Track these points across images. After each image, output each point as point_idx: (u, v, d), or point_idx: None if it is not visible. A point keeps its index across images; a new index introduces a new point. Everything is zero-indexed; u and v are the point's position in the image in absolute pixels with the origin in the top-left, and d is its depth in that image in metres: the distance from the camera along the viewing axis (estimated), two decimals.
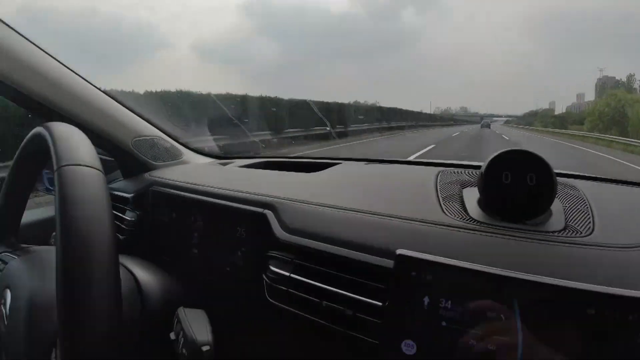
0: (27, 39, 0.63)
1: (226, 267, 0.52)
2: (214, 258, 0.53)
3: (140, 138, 0.77)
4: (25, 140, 0.43)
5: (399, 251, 0.31)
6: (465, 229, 0.37)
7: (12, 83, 0.60)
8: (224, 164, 0.85)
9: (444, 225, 0.38)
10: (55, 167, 0.32)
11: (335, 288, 0.37)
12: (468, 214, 0.41)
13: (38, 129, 0.40)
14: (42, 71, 0.64)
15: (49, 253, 0.45)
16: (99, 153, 0.92)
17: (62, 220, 0.29)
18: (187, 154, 0.89)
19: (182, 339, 0.33)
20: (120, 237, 0.63)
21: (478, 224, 0.38)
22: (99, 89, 0.72)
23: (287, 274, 0.41)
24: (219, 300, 0.51)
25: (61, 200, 0.30)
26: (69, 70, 0.69)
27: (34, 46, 0.64)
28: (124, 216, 0.64)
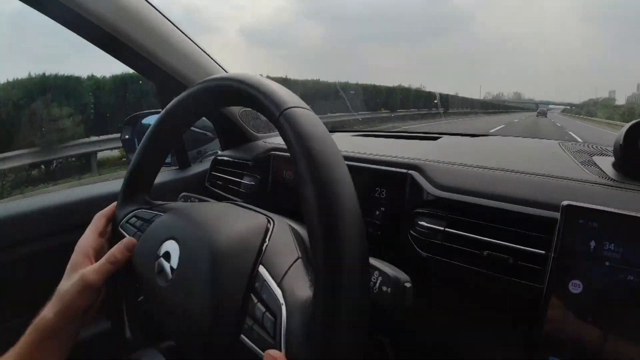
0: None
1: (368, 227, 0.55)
2: None
3: (246, 109, 0.84)
4: (177, 98, 0.44)
5: (565, 202, 0.34)
6: (612, 186, 0.40)
7: (139, 49, 0.64)
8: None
9: (594, 183, 0.41)
10: (280, 111, 0.32)
11: (495, 239, 0.41)
12: (609, 176, 0.44)
13: (208, 84, 0.40)
14: (171, 41, 0.69)
15: (197, 207, 0.44)
16: (201, 127, 0.99)
17: (306, 155, 0.29)
18: None
19: (380, 278, 0.30)
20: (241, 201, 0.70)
21: (623, 183, 0.41)
22: (213, 59, 0.78)
23: (442, 228, 0.45)
24: None
25: (300, 138, 0.30)
26: (193, 44, 0.74)
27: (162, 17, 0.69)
28: (241, 181, 0.70)
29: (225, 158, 0.76)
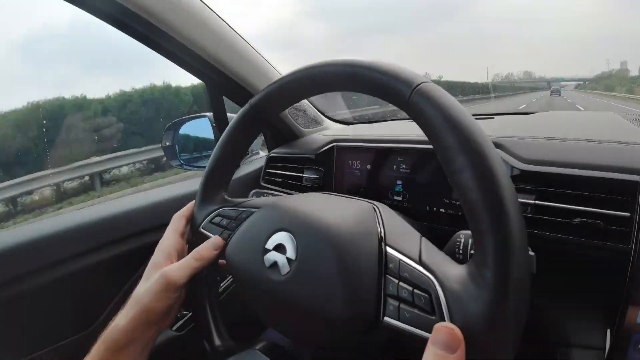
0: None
1: (440, 207, 0.54)
2: (422, 200, 0.56)
3: (295, 105, 0.82)
4: (266, 90, 0.43)
5: None
6: None
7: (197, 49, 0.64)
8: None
9: None
10: (412, 88, 0.31)
11: (583, 207, 0.42)
12: None
13: (310, 71, 0.38)
14: (227, 42, 0.69)
15: (296, 198, 0.43)
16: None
17: (455, 127, 0.28)
18: (326, 122, 0.93)
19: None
20: None
21: None
22: (264, 58, 0.77)
23: (532, 201, 0.45)
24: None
25: (444, 111, 0.29)
26: (247, 44, 0.74)
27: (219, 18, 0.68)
28: (303, 175, 0.69)
29: (281, 155, 0.75)
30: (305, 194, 0.46)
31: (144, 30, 0.59)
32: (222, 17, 0.68)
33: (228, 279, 0.61)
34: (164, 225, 0.68)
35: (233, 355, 0.42)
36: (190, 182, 0.82)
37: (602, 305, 0.46)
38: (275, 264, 0.36)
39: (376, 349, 0.35)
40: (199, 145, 1.01)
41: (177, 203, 0.72)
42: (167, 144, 1.05)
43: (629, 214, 0.39)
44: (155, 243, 0.66)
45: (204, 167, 1.00)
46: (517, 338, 0.27)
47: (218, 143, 0.47)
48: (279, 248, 0.36)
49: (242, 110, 0.45)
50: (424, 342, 0.27)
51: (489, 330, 0.26)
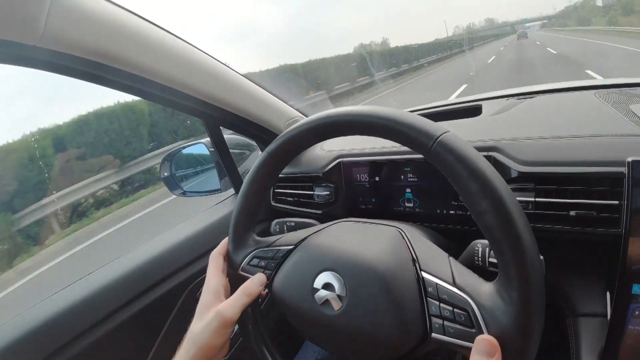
0: (177, 36, 0.63)
1: (450, 209, 0.58)
2: (432, 205, 0.59)
3: (290, 120, 0.83)
4: (283, 138, 0.45)
5: (630, 158, 0.40)
6: None
7: (175, 85, 0.61)
8: None
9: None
10: (433, 139, 0.35)
11: (578, 200, 0.48)
12: None
13: (331, 119, 0.41)
14: (203, 68, 0.66)
15: (326, 234, 0.47)
16: (236, 146, 0.98)
17: (475, 175, 0.33)
18: None
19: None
20: (318, 212, 0.71)
21: None
22: (248, 78, 0.77)
23: (532, 199, 0.50)
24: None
25: (464, 161, 0.34)
26: (220, 63, 0.71)
27: (183, 41, 0.64)
28: (314, 192, 0.71)
29: (289, 175, 0.77)
30: (331, 225, 0.49)
31: (129, 82, 0.58)
32: (212, 55, 0.67)
33: (265, 301, 0.64)
34: (193, 261, 0.70)
35: None
36: (209, 212, 0.84)
37: (603, 276, 0.52)
38: (327, 301, 0.41)
39: (420, 357, 0.40)
40: (199, 171, 1.01)
41: (203, 237, 0.74)
42: (166, 174, 1.06)
43: (617, 202, 0.45)
44: (186, 280, 0.68)
45: (208, 192, 1.00)
46: (540, 336, 0.33)
47: (241, 191, 0.50)
48: (327, 287, 0.41)
49: (260, 158, 0.48)
50: (467, 350, 0.34)
51: (519, 337, 0.32)
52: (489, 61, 16.04)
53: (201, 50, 0.67)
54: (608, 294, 0.50)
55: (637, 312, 0.41)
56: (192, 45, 0.65)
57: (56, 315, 0.57)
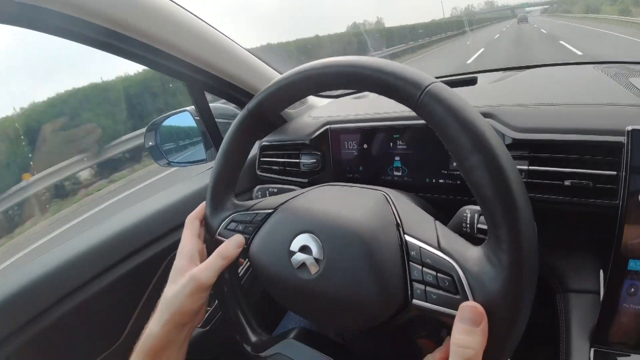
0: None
1: (439, 178, 0.56)
2: (421, 174, 0.57)
3: None
4: (264, 93, 0.43)
5: (629, 127, 0.38)
6: None
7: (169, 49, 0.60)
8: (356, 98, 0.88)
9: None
10: (421, 89, 0.32)
11: (573, 169, 0.45)
12: None
13: (316, 71, 0.38)
14: (187, 28, 0.63)
15: (308, 196, 0.44)
16: (221, 116, 0.95)
17: (467, 127, 0.30)
18: (310, 98, 0.91)
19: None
20: (304, 180, 0.69)
21: None
22: (238, 44, 0.73)
23: (525, 167, 0.48)
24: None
25: (455, 112, 0.31)
26: (206, 24, 0.68)
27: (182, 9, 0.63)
28: (300, 160, 0.69)
29: (274, 143, 0.74)
30: (313, 189, 0.47)
31: (117, 42, 0.55)
32: (196, 14, 0.64)
33: (244, 265, 0.62)
34: (173, 230, 0.68)
35: (272, 347, 0.44)
36: (190, 182, 0.81)
37: (597, 252, 0.50)
38: (303, 265, 0.38)
39: (402, 325, 0.38)
40: (184, 140, 0.98)
41: (183, 206, 0.72)
42: (150, 144, 1.02)
43: (615, 172, 0.43)
44: (167, 248, 0.67)
45: (193, 162, 0.97)
46: (531, 305, 0.31)
47: (219, 151, 0.47)
48: (304, 249, 0.39)
49: (239, 116, 0.45)
50: (450, 318, 0.31)
51: (508, 305, 0.29)
52: (495, 37, 19.86)
53: (184, 8, 0.63)
54: (602, 270, 0.48)
55: (632, 289, 0.39)
56: (175, 3, 0.62)
57: (33, 283, 0.55)
